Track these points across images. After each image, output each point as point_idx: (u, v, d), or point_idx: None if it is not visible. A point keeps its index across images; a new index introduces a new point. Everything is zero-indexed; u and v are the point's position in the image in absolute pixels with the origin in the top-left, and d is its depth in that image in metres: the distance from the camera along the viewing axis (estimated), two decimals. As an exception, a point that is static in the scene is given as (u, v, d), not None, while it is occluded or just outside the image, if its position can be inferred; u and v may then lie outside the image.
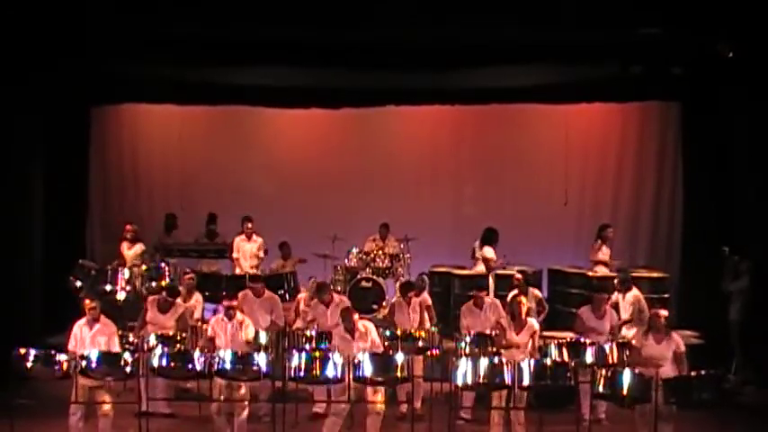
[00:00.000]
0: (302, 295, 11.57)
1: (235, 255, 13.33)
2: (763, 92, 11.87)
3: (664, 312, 9.08)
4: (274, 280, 12.31)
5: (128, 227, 13.21)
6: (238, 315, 9.67)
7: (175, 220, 14.27)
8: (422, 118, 15.34)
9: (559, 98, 14.33)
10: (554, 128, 15.10)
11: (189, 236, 14.20)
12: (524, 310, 9.61)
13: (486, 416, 9.67)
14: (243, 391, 9.32)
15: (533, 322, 9.69)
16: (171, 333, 10.02)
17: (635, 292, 11.02)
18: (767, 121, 11.98)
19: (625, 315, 10.87)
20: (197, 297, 11.04)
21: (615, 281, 11.30)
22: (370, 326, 9.62)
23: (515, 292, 11.06)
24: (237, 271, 13.19)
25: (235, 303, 9.72)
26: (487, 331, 10.08)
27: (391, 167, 15.37)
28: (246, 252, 13.26)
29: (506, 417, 9.47)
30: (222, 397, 9.28)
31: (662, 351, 8.88)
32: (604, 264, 12.98)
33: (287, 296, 12.00)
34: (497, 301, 10.80)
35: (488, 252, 12.97)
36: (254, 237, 13.32)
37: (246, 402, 9.35)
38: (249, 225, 13.32)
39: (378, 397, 9.20)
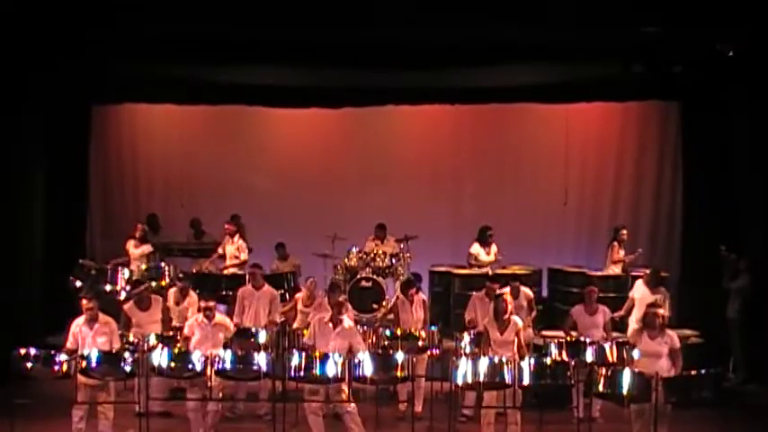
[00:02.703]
0: (299, 295, 11.56)
1: (219, 251, 13.24)
2: (764, 91, 11.87)
3: (660, 310, 9.11)
4: (274, 280, 12.32)
5: (139, 225, 13.31)
6: (217, 316, 9.68)
7: (157, 220, 14.26)
8: (422, 117, 15.33)
9: (559, 97, 14.33)
10: (554, 127, 15.10)
11: (185, 236, 14.23)
12: (509, 308, 9.61)
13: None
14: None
15: (517, 320, 9.65)
16: (170, 333, 10.02)
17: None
18: (767, 121, 11.98)
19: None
20: (190, 299, 11.02)
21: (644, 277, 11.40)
22: (354, 328, 9.62)
23: (506, 290, 11.07)
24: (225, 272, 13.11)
25: (212, 304, 9.67)
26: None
27: (391, 167, 15.37)
28: (228, 253, 13.09)
29: (502, 416, 9.46)
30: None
31: (657, 347, 8.89)
32: (621, 263, 13.00)
33: (287, 296, 11.99)
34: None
35: (473, 248, 13.04)
36: (235, 239, 13.04)
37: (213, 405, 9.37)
38: (226, 226, 13.07)
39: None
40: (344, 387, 9.12)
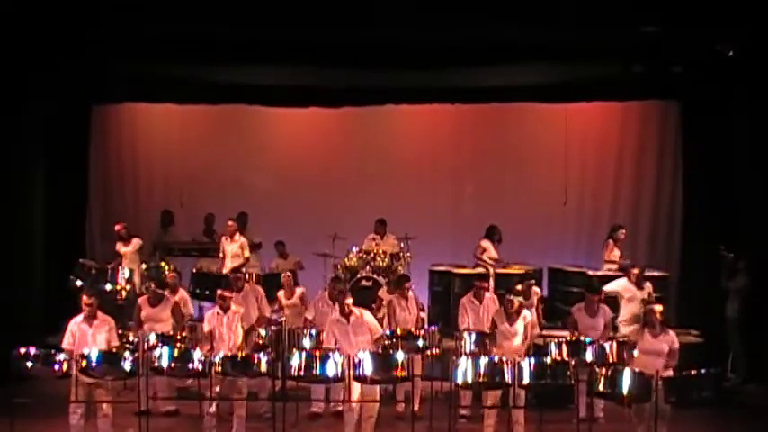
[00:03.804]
0: (281, 293, 11.55)
1: (221, 254, 13.28)
2: (764, 91, 11.87)
3: (658, 308, 9.12)
4: (274, 278, 12.32)
5: (117, 227, 13.24)
6: (233, 306, 9.72)
7: (172, 216, 14.34)
8: (422, 117, 15.34)
9: (559, 97, 14.33)
10: (554, 127, 15.11)
11: (188, 234, 14.25)
12: (516, 304, 9.66)
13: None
14: (243, 389, 9.36)
15: (526, 312, 9.75)
16: (171, 332, 10.02)
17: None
18: (767, 121, 11.98)
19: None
20: (181, 293, 11.05)
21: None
22: (365, 312, 9.62)
23: (519, 288, 11.13)
24: (225, 270, 13.13)
25: (227, 294, 9.76)
26: (487, 330, 10.08)
27: (391, 166, 15.39)
28: (228, 252, 13.10)
29: (505, 416, 9.47)
30: (216, 395, 9.28)
31: (658, 345, 8.91)
32: (614, 263, 13.00)
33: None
34: (495, 297, 10.80)
35: (484, 242, 13.21)
36: (237, 236, 13.06)
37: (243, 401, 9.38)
38: (229, 223, 13.10)
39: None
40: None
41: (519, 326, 9.61)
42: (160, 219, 14.26)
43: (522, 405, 9.17)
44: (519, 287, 11.24)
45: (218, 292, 9.79)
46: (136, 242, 13.13)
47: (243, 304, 10.65)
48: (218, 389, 9.27)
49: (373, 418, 9.27)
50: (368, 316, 9.57)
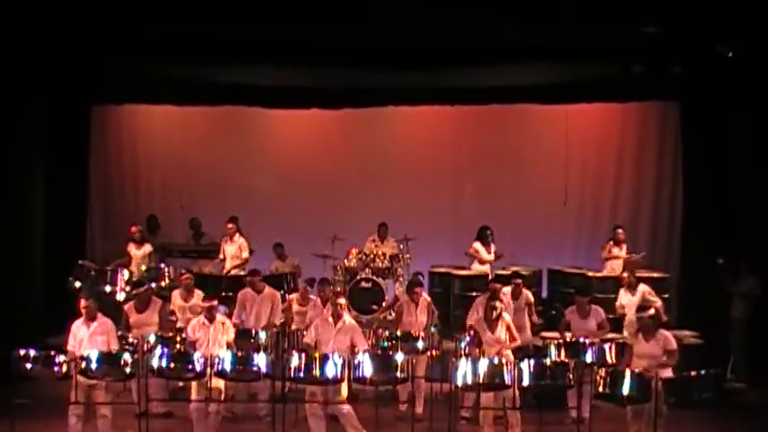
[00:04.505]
0: (293, 296, 11.57)
1: (221, 256, 13.28)
2: (763, 92, 11.87)
3: (648, 312, 9.15)
4: (274, 280, 12.31)
5: (134, 228, 13.28)
6: (218, 316, 9.68)
7: (157, 220, 14.32)
8: (422, 118, 15.33)
9: (559, 98, 14.32)
10: (554, 127, 15.11)
11: (183, 236, 14.23)
12: (499, 311, 9.63)
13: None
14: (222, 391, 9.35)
15: (506, 316, 9.73)
16: (170, 334, 10.00)
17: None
18: (767, 121, 11.98)
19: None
20: (197, 294, 11.05)
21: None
22: (355, 323, 9.63)
23: (507, 290, 11.09)
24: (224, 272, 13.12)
25: (215, 303, 9.72)
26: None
27: (391, 167, 15.38)
28: (228, 253, 13.14)
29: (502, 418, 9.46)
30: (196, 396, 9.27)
31: (651, 349, 8.92)
32: (614, 260, 12.98)
33: (286, 296, 12.00)
34: (511, 300, 10.76)
35: (475, 245, 13.21)
36: (236, 238, 13.12)
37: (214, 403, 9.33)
38: (229, 226, 13.14)
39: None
40: (342, 388, 9.12)
41: (501, 332, 9.57)
42: (146, 224, 14.12)
43: (518, 407, 9.14)
44: (508, 288, 11.20)
45: (208, 304, 9.72)
46: (147, 247, 13.17)
47: (259, 305, 10.70)
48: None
49: (352, 417, 9.21)
50: (357, 328, 9.54)
